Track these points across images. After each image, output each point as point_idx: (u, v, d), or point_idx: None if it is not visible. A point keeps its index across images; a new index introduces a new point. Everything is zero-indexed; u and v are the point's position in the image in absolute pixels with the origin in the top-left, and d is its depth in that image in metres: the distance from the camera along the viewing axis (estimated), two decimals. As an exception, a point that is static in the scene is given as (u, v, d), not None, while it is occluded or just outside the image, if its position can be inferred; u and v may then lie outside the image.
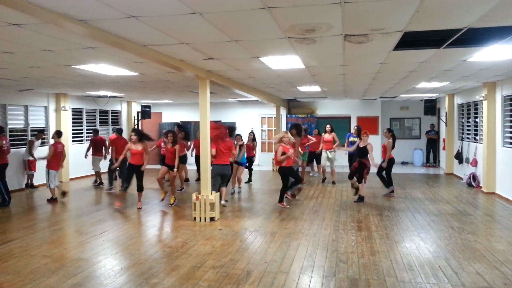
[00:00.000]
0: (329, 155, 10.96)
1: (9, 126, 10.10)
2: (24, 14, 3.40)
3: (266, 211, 7.64)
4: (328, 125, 11.32)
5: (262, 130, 16.35)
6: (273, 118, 15.50)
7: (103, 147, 10.88)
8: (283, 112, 15.36)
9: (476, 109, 10.67)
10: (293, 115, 15.70)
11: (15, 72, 7.06)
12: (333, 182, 10.90)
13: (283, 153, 7.69)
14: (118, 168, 9.43)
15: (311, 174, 12.46)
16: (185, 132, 10.33)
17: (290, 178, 7.91)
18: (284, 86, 10.05)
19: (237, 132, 9.15)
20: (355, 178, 8.67)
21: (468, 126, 11.38)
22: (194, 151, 10.65)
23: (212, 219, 6.86)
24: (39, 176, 10.75)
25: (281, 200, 8.01)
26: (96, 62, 6.14)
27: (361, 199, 8.43)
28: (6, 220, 7.19)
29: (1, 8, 3.24)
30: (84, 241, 5.88)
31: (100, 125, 13.68)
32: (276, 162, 8.05)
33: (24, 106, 10.59)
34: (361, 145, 8.55)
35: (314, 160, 11.70)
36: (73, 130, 12.30)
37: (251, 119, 16.19)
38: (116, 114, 14.76)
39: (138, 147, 7.83)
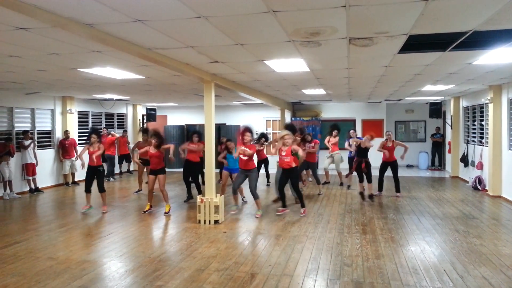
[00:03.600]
0: (334, 157, 11.05)
1: (16, 129, 10.18)
2: (31, 18, 3.44)
3: (270, 214, 7.63)
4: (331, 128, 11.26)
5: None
6: (278, 121, 15.51)
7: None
8: (287, 115, 15.37)
9: (481, 112, 10.61)
10: (298, 118, 15.70)
11: (22, 76, 7.13)
12: (341, 184, 11.02)
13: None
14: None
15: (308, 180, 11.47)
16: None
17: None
18: (289, 89, 10.05)
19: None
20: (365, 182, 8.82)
21: (474, 129, 11.32)
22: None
23: (216, 221, 6.87)
24: (40, 178, 10.87)
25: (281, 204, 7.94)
26: (102, 66, 6.19)
27: (371, 196, 8.86)
28: (12, 223, 7.25)
29: (9, 12, 3.28)
30: (90, 243, 5.91)
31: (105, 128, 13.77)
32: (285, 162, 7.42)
33: (30, 109, 10.67)
34: (362, 145, 8.71)
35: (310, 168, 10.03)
36: (78, 133, 12.38)
37: (256, 122, 16.22)
38: (121, 117, 14.84)
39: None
